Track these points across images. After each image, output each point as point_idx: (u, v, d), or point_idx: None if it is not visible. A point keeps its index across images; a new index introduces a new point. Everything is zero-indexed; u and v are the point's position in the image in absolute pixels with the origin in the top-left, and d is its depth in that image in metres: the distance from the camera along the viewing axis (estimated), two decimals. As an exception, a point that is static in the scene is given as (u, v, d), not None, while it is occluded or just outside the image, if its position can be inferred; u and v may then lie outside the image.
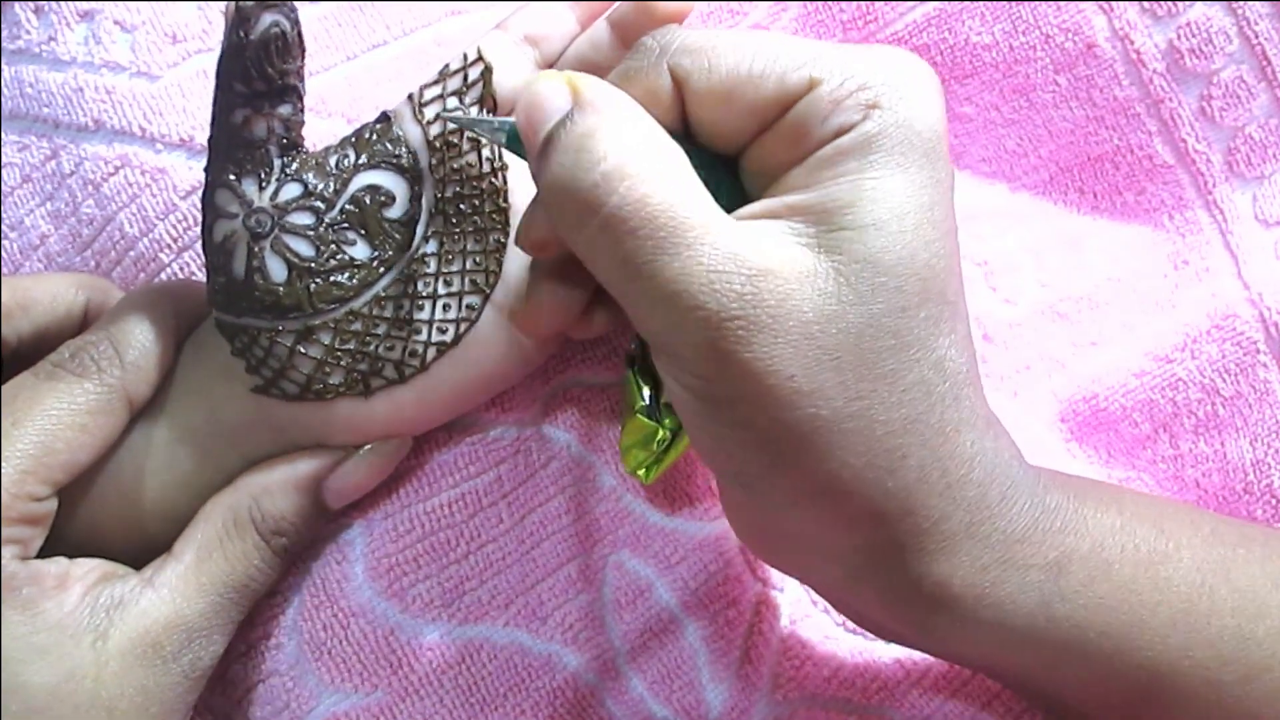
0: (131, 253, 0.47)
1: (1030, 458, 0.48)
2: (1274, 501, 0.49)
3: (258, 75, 0.38)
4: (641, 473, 0.43)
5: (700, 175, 0.35)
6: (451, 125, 0.41)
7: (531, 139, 0.35)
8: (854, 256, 0.33)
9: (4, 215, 0.48)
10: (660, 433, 0.42)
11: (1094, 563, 0.36)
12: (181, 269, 0.46)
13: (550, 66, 0.44)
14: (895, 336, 0.34)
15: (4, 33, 0.48)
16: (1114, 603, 0.36)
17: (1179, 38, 0.49)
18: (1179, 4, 0.49)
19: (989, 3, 0.50)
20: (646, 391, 0.43)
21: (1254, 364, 0.49)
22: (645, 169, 0.33)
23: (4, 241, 0.48)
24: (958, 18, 0.50)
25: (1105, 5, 0.49)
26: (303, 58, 0.39)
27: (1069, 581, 0.36)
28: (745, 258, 0.33)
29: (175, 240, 0.46)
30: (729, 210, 0.35)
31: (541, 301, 0.41)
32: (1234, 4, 0.49)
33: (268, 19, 0.38)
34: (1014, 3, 0.50)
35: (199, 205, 0.46)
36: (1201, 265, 0.51)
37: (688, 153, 0.35)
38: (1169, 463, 0.50)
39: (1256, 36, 0.49)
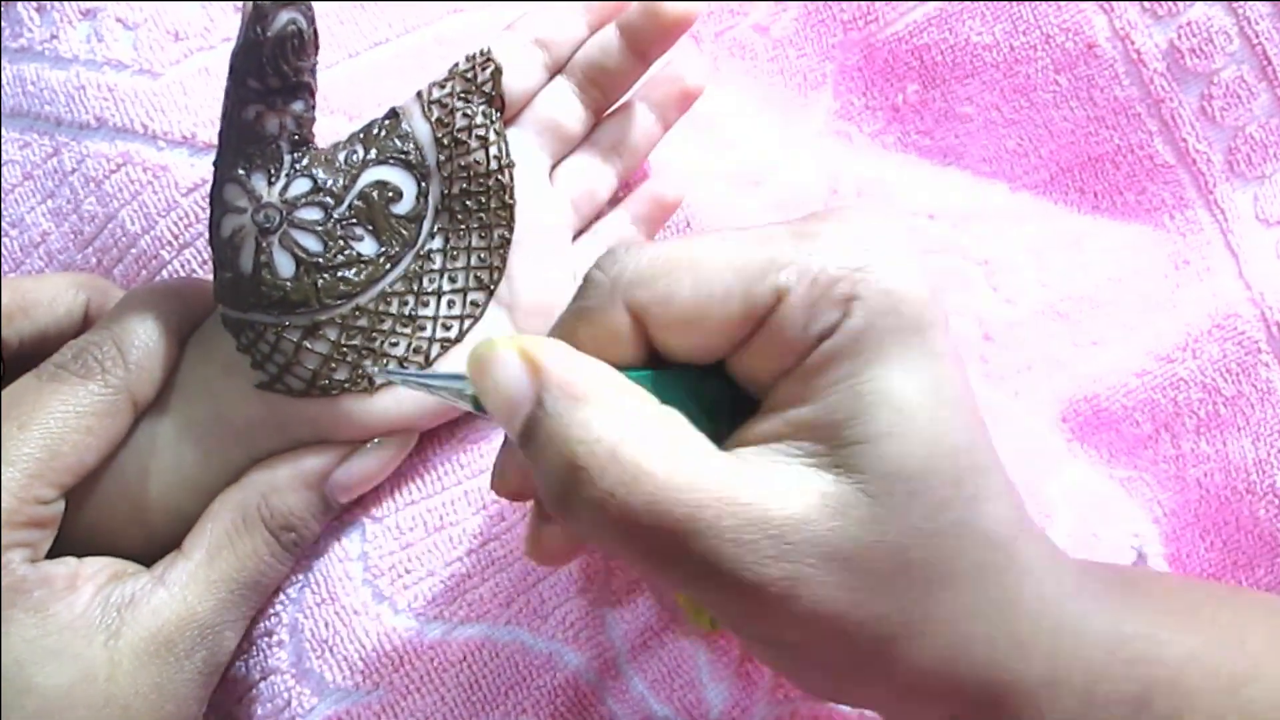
0: (133, 250, 0.47)
1: (1032, 458, 0.48)
2: (1276, 501, 0.49)
3: (273, 72, 0.38)
4: (707, 624, 0.42)
5: (684, 402, 0.33)
6: (460, 124, 0.42)
7: (504, 425, 0.33)
8: (877, 472, 0.31)
9: (5, 212, 0.48)
10: None
11: (1178, 694, 0.35)
12: (182, 266, 0.46)
13: (559, 70, 0.45)
14: (939, 536, 0.32)
15: (6, 30, 0.48)
16: None
17: (1179, 37, 0.50)
18: (1179, 4, 0.49)
19: (989, 3, 0.50)
20: None
21: (1255, 363, 0.49)
22: (640, 472, 0.31)
23: (5, 239, 0.48)
24: (958, 18, 0.50)
25: (1106, 5, 0.49)
26: (317, 55, 0.39)
27: (1153, 716, 0.34)
28: (769, 517, 0.31)
29: (176, 238, 0.46)
30: (730, 424, 0.33)
31: (548, 541, 0.39)
32: (1234, 4, 0.49)
33: (285, 16, 0.38)
34: (1014, 3, 0.50)
35: (201, 203, 0.46)
36: (1202, 265, 0.51)
37: (668, 375, 0.34)
38: (1170, 462, 0.50)
39: (1257, 36, 0.49)
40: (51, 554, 0.40)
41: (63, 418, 0.40)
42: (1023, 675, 0.33)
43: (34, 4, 0.48)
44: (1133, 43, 0.50)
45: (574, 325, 0.34)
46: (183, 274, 0.46)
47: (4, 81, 0.48)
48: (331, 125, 0.46)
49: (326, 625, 0.43)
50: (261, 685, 0.44)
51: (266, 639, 0.44)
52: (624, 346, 0.34)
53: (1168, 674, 0.35)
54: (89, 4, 0.47)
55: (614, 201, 0.46)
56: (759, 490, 0.31)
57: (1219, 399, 0.49)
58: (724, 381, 0.34)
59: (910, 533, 0.32)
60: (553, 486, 0.32)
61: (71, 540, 0.41)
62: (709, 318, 0.33)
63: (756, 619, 0.33)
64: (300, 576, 0.44)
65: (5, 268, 0.48)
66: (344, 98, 0.47)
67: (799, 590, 0.31)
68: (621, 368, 0.34)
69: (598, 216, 0.46)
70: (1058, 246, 0.52)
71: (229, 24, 0.47)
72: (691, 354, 0.34)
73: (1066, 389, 0.51)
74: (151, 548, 0.42)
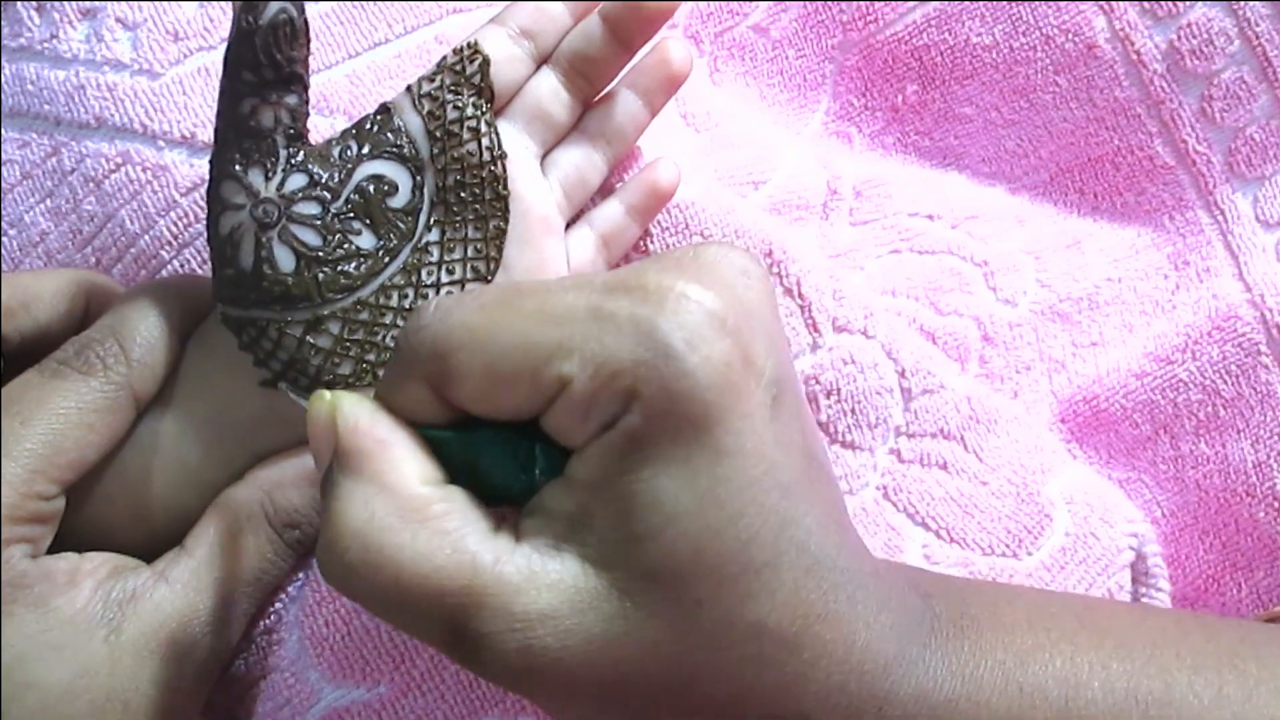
0: (132, 250, 0.47)
1: (1031, 459, 0.48)
2: (1276, 504, 0.49)
3: (266, 62, 0.39)
4: None
5: (495, 459, 0.34)
6: (451, 116, 0.42)
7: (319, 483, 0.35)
8: (633, 571, 0.31)
9: (4, 212, 0.48)
10: None
11: None
12: (182, 265, 0.46)
13: (545, 60, 0.45)
14: (697, 634, 0.32)
15: (6, 30, 0.48)
16: None
17: (1179, 38, 0.50)
18: (1179, 4, 0.49)
19: (989, 3, 0.50)
20: None
21: (1255, 365, 0.49)
22: (385, 553, 0.32)
23: (4, 238, 0.48)
24: (958, 19, 0.50)
25: (1105, 6, 0.50)
26: (308, 48, 0.40)
27: None
28: (514, 610, 0.31)
29: (176, 237, 0.46)
30: (549, 469, 0.33)
31: None
32: (1235, 4, 0.49)
33: (275, 6, 0.38)
34: (1014, 3, 0.50)
35: (200, 202, 0.46)
36: (1202, 266, 0.51)
37: (477, 434, 0.34)
38: (1169, 464, 0.50)
39: (1257, 37, 0.49)
40: (52, 550, 0.40)
41: (64, 414, 0.40)
42: None
43: (34, 4, 0.48)
44: (1132, 44, 0.50)
45: (388, 386, 0.35)
46: (182, 273, 0.46)
47: (3, 81, 0.48)
48: (332, 126, 0.46)
49: (327, 623, 0.43)
50: (262, 683, 0.44)
51: (267, 637, 0.44)
52: (431, 406, 0.34)
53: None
54: (89, 4, 0.47)
55: (608, 190, 0.47)
56: (511, 581, 0.31)
57: (1218, 401, 0.49)
58: (539, 434, 0.34)
59: (665, 631, 0.31)
60: (320, 551, 0.33)
61: (72, 536, 0.41)
62: (501, 395, 0.33)
63: (520, 694, 0.33)
64: (301, 574, 0.44)
65: (4, 267, 0.48)
66: (344, 98, 0.47)
67: (545, 681, 0.32)
68: (433, 425, 0.34)
69: (590, 203, 0.46)
70: (1057, 247, 0.52)
71: (228, 24, 0.47)
72: (499, 418, 0.34)
73: (1066, 390, 0.51)
74: (153, 544, 0.42)
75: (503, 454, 0.34)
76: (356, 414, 0.34)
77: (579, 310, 0.32)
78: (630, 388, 0.31)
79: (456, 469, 0.34)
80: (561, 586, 0.32)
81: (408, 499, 0.33)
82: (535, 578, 0.32)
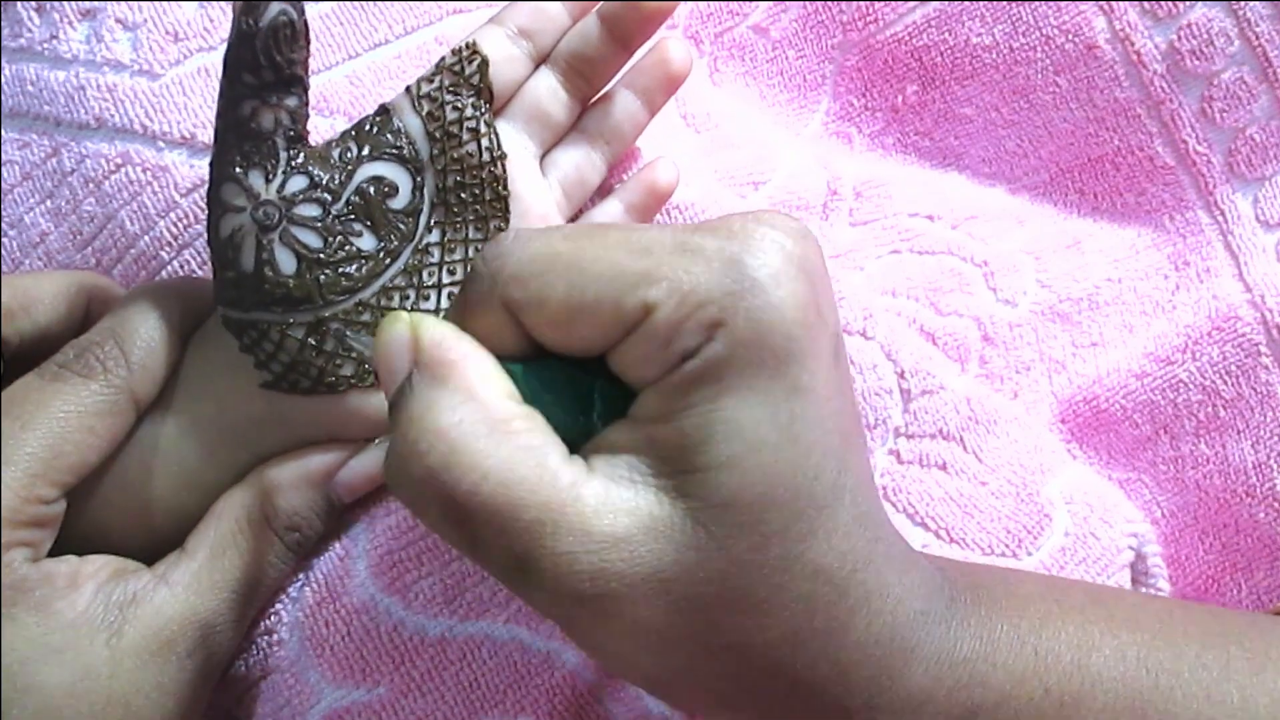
0: (132, 250, 0.47)
1: (1031, 459, 0.48)
2: (1276, 504, 0.49)
3: (266, 64, 0.39)
4: None
5: (558, 396, 0.34)
6: (450, 117, 0.42)
7: (385, 391, 0.34)
8: (709, 501, 0.32)
9: (4, 213, 0.48)
10: None
11: (1002, 716, 0.35)
12: (182, 267, 0.46)
13: (544, 60, 0.45)
14: (764, 568, 0.32)
15: (5, 30, 0.48)
16: None
17: (1179, 39, 0.50)
18: (1179, 4, 0.49)
19: (989, 4, 0.50)
20: None
21: (1255, 366, 0.49)
22: (470, 458, 0.32)
23: (4, 239, 0.48)
24: (958, 19, 0.50)
25: (1106, 6, 0.49)
26: (308, 49, 0.40)
27: None
28: (589, 531, 0.31)
29: (176, 238, 0.46)
30: (608, 417, 0.34)
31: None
32: (1235, 5, 0.49)
33: (275, 7, 0.38)
34: (1014, 4, 0.50)
35: (200, 203, 0.46)
36: (1202, 266, 0.51)
37: (545, 369, 0.34)
38: (1169, 464, 0.50)
39: (1258, 38, 0.49)
40: (53, 553, 0.40)
41: (65, 417, 0.40)
42: (841, 698, 0.34)
43: (34, 4, 0.48)
44: (1132, 44, 0.50)
45: (461, 313, 0.35)
46: (182, 274, 0.46)
47: (3, 81, 0.48)
48: (332, 126, 0.46)
49: (327, 624, 0.43)
50: (262, 684, 0.44)
51: (267, 637, 0.44)
52: (504, 336, 0.34)
53: (994, 697, 0.35)
54: (89, 4, 0.47)
55: (607, 190, 0.47)
56: (589, 504, 0.32)
57: (1219, 401, 0.49)
58: (607, 374, 0.34)
59: (734, 562, 0.32)
60: (392, 456, 0.33)
61: (73, 539, 0.41)
62: (580, 323, 0.33)
63: (574, 626, 0.33)
64: (301, 575, 0.44)
65: (5, 268, 0.48)
66: (344, 99, 0.47)
67: (611, 607, 0.32)
68: (503, 356, 0.34)
69: (589, 202, 0.46)
70: (1057, 248, 0.52)
71: (229, 25, 0.47)
72: (568, 350, 0.34)
73: (1066, 390, 0.51)
74: (153, 547, 0.42)
75: (565, 393, 0.34)
76: (442, 330, 0.34)
77: (666, 242, 0.32)
78: (716, 318, 0.31)
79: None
80: (638, 513, 0.32)
81: (495, 409, 0.33)
82: (612, 503, 0.32)
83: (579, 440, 0.34)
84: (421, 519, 0.34)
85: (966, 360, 0.51)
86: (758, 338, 0.31)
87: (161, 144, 0.47)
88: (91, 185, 0.47)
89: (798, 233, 0.33)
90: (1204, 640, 0.37)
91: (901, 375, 0.47)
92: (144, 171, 0.46)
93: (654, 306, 0.32)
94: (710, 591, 0.32)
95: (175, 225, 0.46)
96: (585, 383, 0.34)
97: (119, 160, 0.46)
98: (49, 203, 0.48)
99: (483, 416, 0.32)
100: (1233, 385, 0.49)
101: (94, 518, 0.42)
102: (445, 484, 0.32)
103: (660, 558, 0.32)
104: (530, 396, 0.34)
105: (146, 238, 0.47)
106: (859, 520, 0.33)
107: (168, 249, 0.46)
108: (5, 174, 0.48)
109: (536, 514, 0.31)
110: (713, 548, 0.32)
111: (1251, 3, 0.49)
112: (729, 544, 0.32)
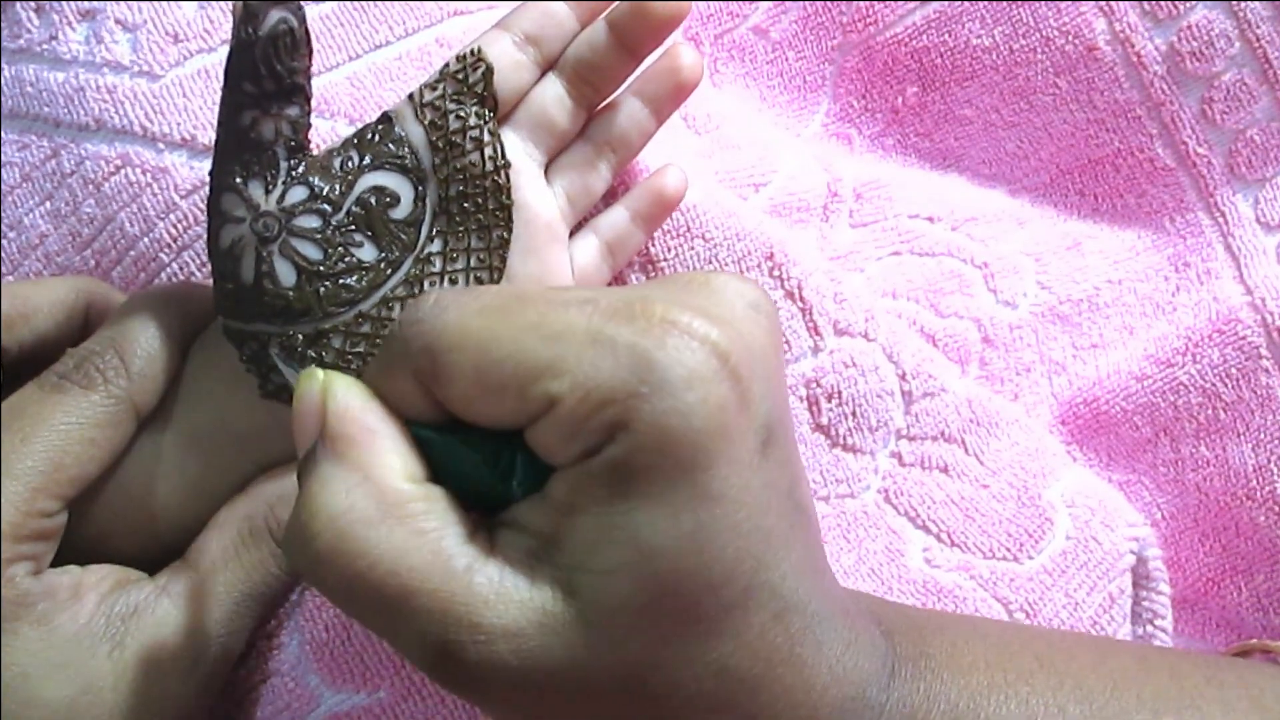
0: (132, 252, 0.47)
1: (1032, 462, 0.48)
2: (1276, 507, 0.49)
3: (266, 73, 0.38)
4: None
5: (473, 465, 0.33)
6: (454, 126, 0.42)
7: (298, 457, 0.34)
8: (600, 604, 0.30)
9: (3, 214, 0.48)
10: None
11: None
12: (181, 269, 0.46)
13: (550, 67, 0.44)
14: (659, 669, 0.31)
15: (5, 31, 0.48)
16: None
17: (1180, 40, 0.49)
18: (1180, 6, 0.49)
19: (989, 5, 0.50)
20: None
21: (1256, 368, 0.49)
22: (358, 545, 0.31)
23: (3, 241, 0.48)
24: (958, 20, 0.50)
25: (1106, 8, 0.49)
26: (310, 58, 0.39)
27: None
28: (479, 622, 0.31)
29: (175, 240, 0.46)
30: (527, 481, 0.32)
31: None
32: (1235, 6, 0.49)
33: (275, 15, 0.38)
34: (1014, 5, 0.50)
35: (200, 205, 0.46)
36: (1203, 268, 0.51)
37: (467, 431, 0.33)
38: (1169, 467, 0.50)
39: (1258, 39, 0.49)
40: (55, 561, 0.40)
41: (65, 429, 0.40)
42: None
43: (33, 5, 0.48)
44: (1133, 46, 0.50)
45: (377, 374, 0.34)
46: (182, 277, 0.46)
47: (3, 82, 0.48)
48: (332, 129, 0.46)
49: (327, 628, 0.43)
50: (262, 688, 0.44)
51: (267, 641, 0.44)
52: (418, 402, 0.33)
53: None
54: (88, 5, 0.47)
55: (612, 197, 0.46)
56: (479, 593, 0.31)
57: (1219, 404, 0.49)
58: (522, 444, 0.33)
59: (626, 662, 0.31)
60: (288, 532, 0.32)
61: (74, 548, 0.41)
62: (487, 404, 0.32)
63: (483, 708, 0.33)
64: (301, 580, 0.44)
65: (4, 269, 0.48)
66: (344, 101, 0.47)
67: (507, 696, 0.31)
68: (417, 423, 0.34)
69: (594, 210, 0.46)
70: (1057, 249, 0.52)
71: (229, 26, 0.47)
72: (480, 424, 0.33)
73: (1066, 392, 0.51)
74: (155, 555, 0.42)
75: (484, 460, 0.33)
76: (349, 399, 0.33)
77: (578, 330, 0.31)
78: (619, 418, 0.30)
79: (437, 469, 0.34)
80: (530, 606, 0.31)
81: (389, 493, 0.32)
82: (505, 593, 0.31)
83: (499, 506, 0.33)
84: (320, 594, 0.33)
85: (967, 362, 0.51)
86: (661, 444, 0.30)
87: (161, 145, 0.46)
88: (91, 187, 0.47)
89: (730, 318, 0.31)
90: (1156, 708, 0.36)
91: (903, 377, 0.47)
92: (144, 173, 0.46)
93: (557, 399, 0.30)
94: (605, 685, 0.31)
95: (175, 227, 0.46)
96: (506, 450, 0.33)
97: (119, 162, 0.46)
98: (48, 204, 0.48)
99: (375, 500, 0.32)
100: (1233, 388, 0.49)
101: (95, 526, 0.42)
102: (334, 569, 0.31)
103: (550, 653, 0.31)
104: (442, 462, 0.33)
105: (146, 239, 0.46)
106: (779, 617, 0.32)
107: (167, 251, 0.46)
108: (5, 175, 0.48)
109: (425, 601, 0.31)
110: (604, 648, 0.31)
111: (1252, 4, 0.49)
112: (622, 644, 0.31)
